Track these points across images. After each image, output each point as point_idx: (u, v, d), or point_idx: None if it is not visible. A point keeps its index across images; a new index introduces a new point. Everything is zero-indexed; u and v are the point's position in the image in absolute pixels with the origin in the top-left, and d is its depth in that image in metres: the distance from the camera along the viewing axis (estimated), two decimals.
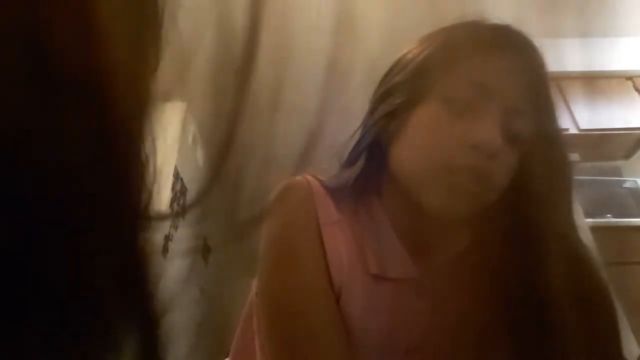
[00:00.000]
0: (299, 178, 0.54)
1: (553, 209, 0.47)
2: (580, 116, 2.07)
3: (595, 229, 1.42)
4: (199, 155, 2.93)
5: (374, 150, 0.52)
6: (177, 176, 2.48)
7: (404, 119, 0.49)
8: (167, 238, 2.29)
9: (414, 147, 0.48)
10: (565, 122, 2.07)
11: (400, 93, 0.51)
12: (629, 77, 2.22)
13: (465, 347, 0.50)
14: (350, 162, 0.54)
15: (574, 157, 1.85)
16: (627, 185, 2.07)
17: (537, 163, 0.47)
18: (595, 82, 2.20)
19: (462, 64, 0.47)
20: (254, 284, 0.55)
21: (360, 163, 0.52)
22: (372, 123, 0.53)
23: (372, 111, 0.55)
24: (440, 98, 0.47)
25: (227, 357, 0.60)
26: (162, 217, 0.26)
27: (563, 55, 2.28)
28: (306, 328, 0.43)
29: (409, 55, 0.53)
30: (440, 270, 0.51)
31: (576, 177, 1.90)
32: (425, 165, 0.46)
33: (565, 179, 0.49)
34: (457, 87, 0.47)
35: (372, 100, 0.56)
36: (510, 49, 0.48)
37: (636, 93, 2.17)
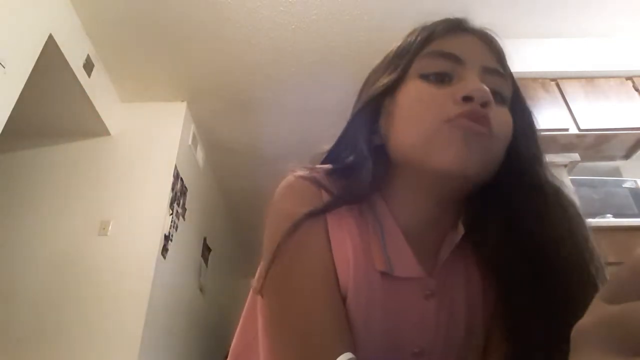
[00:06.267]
0: (305, 172, 0.52)
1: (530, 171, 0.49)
2: (580, 116, 2.07)
3: (595, 229, 1.41)
4: (199, 155, 2.92)
5: (371, 153, 0.50)
6: (177, 176, 2.47)
7: (391, 103, 0.51)
8: (167, 238, 2.29)
9: (409, 119, 0.48)
10: (565, 122, 2.07)
11: (383, 78, 0.53)
12: (629, 77, 2.23)
13: (473, 350, 0.49)
14: (348, 167, 0.53)
15: (574, 157, 1.85)
16: (626, 185, 2.07)
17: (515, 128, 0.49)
18: (595, 82, 2.21)
19: (431, 44, 0.50)
20: (253, 282, 0.55)
21: (367, 169, 0.49)
22: (358, 122, 0.54)
23: (355, 110, 0.55)
24: (418, 76, 0.49)
25: (227, 357, 0.60)
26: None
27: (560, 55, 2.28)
28: (315, 327, 0.42)
29: (390, 50, 0.56)
30: (445, 270, 0.50)
31: (576, 177, 1.89)
32: (425, 128, 0.46)
33: (536, 142, 0.51)
34: (430, 64, 0.49)
35: (357, 99, 0.57)
36: (471, 30, 0.52)
37: (636, 93, 2.17)
